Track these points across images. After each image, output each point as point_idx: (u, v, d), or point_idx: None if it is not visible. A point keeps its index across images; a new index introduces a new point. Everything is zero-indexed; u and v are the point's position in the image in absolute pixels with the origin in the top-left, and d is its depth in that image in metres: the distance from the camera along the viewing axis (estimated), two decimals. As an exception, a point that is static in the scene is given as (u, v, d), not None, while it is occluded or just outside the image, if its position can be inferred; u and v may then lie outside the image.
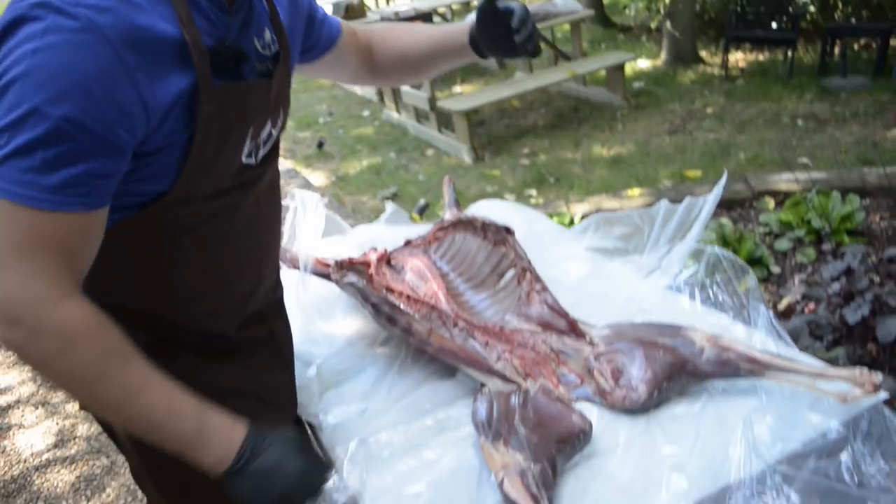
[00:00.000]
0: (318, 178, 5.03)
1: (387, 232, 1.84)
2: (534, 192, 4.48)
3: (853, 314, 2.65)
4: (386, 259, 1.67)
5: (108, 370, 0.88)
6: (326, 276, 1.54)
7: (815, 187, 3.64)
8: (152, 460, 1.10)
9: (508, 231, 1.54)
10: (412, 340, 1.30)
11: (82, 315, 0.87)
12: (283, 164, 5.39)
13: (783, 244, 3.44)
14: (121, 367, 0.89)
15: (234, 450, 0.93)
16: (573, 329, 1.33)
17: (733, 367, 1.21)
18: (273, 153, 1.12)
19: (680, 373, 1.22)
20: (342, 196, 4.63)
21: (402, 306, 1.38)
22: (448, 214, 1.85)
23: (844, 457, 1.02)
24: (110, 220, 0.91)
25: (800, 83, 5.69)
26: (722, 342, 1.24)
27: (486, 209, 1.94)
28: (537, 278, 1.45)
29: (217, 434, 0.93)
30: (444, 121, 5.24)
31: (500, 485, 1.01)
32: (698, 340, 1.25)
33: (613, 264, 1.66)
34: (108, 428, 1.24)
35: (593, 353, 1.27)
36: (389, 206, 1.95)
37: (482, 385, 1.23)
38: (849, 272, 2.89)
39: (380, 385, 1.34)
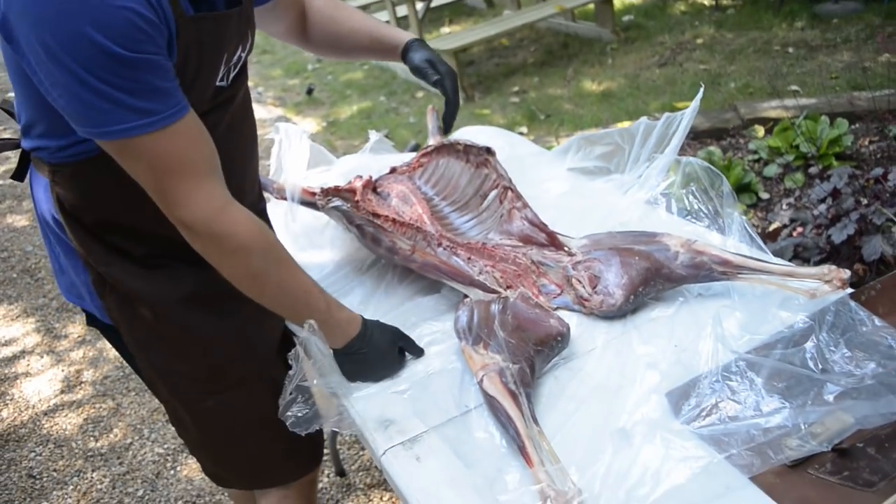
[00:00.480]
0: (309, 124, 5.02)
1: (372, 161, 1.86)
2: (524, 129, 4.48)
3: (839, 234, 2.69)
4: (371, 186, 1.70)
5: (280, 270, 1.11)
6: (313, 205, 1.57)
7: (803, 113, 3.64)
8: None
9: (490, 151, 1.57)
10: (397, 259, 1.34)
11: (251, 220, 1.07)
12: (274, 111, 5.38)
13: (772, 170, 3.46)
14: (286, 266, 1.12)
15: (347, 339, 1.17)
16: (552, 242, 1.37)
17: (707, 270, 1.25)
18: (242, 73, 1.18)
19: (655, 277, 1.26)
20: (333, 141, 4.63)
21: (386, 227, 1.41)
22: (432, 141, 1.87)
23: (809, 345, 1.06)
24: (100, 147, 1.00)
25: (791, 11, 5.63)
26: (696, 246, 1.27)
27: (470, 134, 1.96)
28: (518, 196, 1.48)
29: (338, 325, 1.16)
30: (433, 62, 5.20)
31: (480, 383, 1.05)
32: (673, 245, 1.28)
33: (594, 183, 1.68)
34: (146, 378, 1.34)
35: (571, 262, 1.31)
36: (373, 135, 1.97)
37: (465, 296, 1.28)
38: (835, 193, 2.91)
39: (367, 303, 1.38)
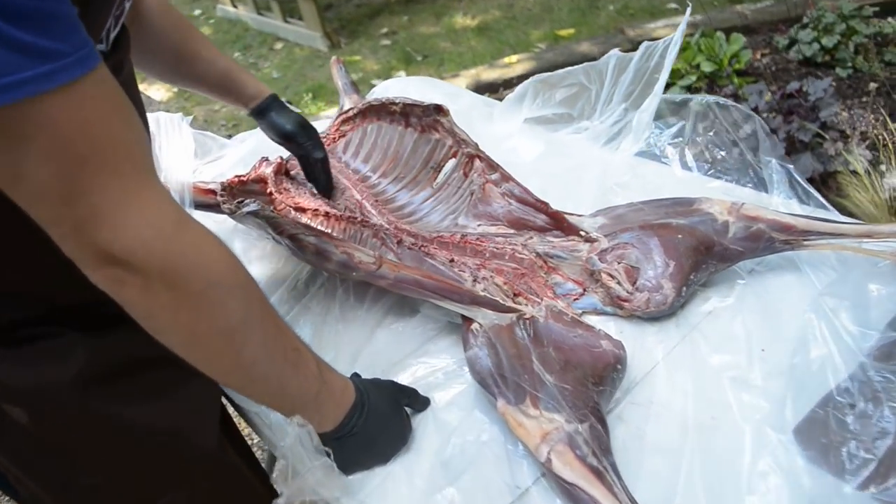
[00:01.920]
0: (158, 91, 4.37)
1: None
2: (402, 73, 4.09)
3: (770, 156, 2.51)
4: (284, 170, 1.30)
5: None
6: (214, 207, 1.15)
7: (699, 31, 3.47)
8: None
9: (440, 110, 1.20)
10: (356, 275, 0.96)
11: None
12: (109, 80, 4.66)
13: (675, 92, 3.27)
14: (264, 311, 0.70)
15: (341, 416, 0.78)
16: (559, 224, 1.03)
17: (766, 242, 0.96)
18: (124, 37, 0.76)
19: (707, 258, 0.96)
20: (189, 108, 4.04)
21: (332, 232, 1.03)
22: (347, 102, 1.47)
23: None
24: None
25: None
26: (746, 211, 0.98)
27: (391, 90, 1.57)
28: (492, 165, 1.13)
29: (330, 398, 0.78)
30: (289, 9, 4.65)
31: (547, 464, 0.71)
32: (718, 213, 0.98)
33: (563, 135, 1.36)
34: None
35: (594, 251, 0.98)
36: None
37: (466, 321, 0.92)
38: (756, 112, 2.74)
39: (321, 340, 1.00)
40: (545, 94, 1.39)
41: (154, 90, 4.34)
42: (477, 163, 1.15)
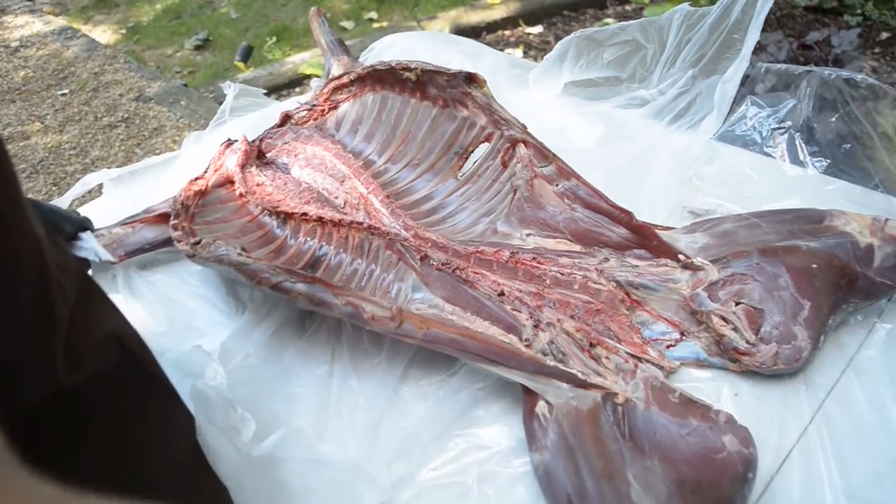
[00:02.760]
0: (103, 33, 3.94)
1: (239, 126, 1.15)
2: (374, 14, 3.74)
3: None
4: (256, 153, 1.01)
5: None
6: (158, 245, 0.89)
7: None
8: None
9: (473, 80, 0.92)
10: (369, 327, 0.70)
11: None
12: (55, 22, 4.22)
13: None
14: None
15: None
16: (646, 241, 0.77)
17: (922, 270, 0.72)
18: None
19: (848, 295, 0.72)
20: (139, 52, 3.64)
21: (332, 248, 0.76)
22: (335, 65, 1.18)
23: None
24: None
25: None
26: (892, 229, 0.74)
27: (392, 49, 1.27)
28: (544, 153, 0.86)
29: None
30: (247, -61, 4.22)
31: None
32: (858, 233, 0.74)
33: (614, 109, 1.09)
34: None
35: (700, 284, 0.72)
36: (230, 89, 1.23)
37: (528, 394, 0.66)
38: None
39: (328, 401, 0.73)
40: (590, 53, 1.12)
41: (99, 32, 3.93)
42: (522, 150, 0.88)
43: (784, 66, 0.97)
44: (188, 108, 2.73)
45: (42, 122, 2.76)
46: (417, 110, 1.00)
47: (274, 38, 3.51)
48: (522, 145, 0.88)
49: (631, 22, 1.08)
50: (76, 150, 2.59)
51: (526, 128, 0.88)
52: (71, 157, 2.56)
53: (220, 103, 1.29)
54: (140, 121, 2.69)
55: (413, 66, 0.97)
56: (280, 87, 3.06)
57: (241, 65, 3.21)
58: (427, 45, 1.23)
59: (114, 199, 1.08)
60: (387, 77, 1.02)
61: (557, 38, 3.15)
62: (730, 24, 1.03)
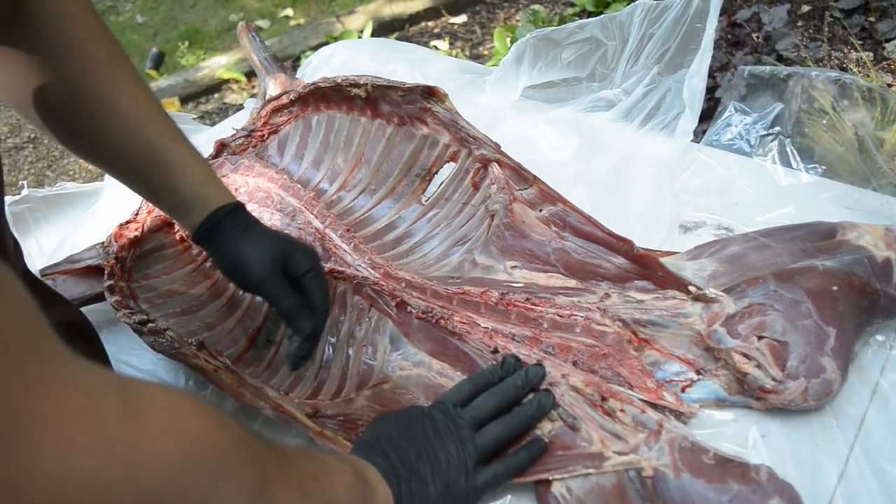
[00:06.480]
0: None
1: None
2: (290, 11, 3.59)
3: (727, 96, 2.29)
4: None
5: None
6: (86, 302, 0.78)
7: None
8: None
9: (432, 94, 0.83)
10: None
11: None
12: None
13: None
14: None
15: None
16: (649, 271, 0.69)
17: (941, 283, 0.67)
18: None
19: (870, 317, 0.66)
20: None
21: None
22: (272, 84, 1.06)
23: None
24: None
25: None
26: (906, 239, 0.68)
27: (334, 61, 1.16)
28: (522, 174, 0.78)
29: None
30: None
31: None
32: (873, 246, 0.68)
33: (578, 112, 1.01)
34: None
35: (717, 318, 0.65)
36: None
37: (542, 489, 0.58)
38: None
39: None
40: (548, 54, 1.04)
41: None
42: (495, 170, 0.79)
43: (768, 67, 0.91)
44: (99, 124, 2.54)
45: (-62, 148, 2.54)
46: (370, 130, 0.90)
47: (186, 43, 3.32)
48: (496, 165, 0.79)
49: (590, 19, 1.01)
50: (-22, 177, 2.38)
51: (499, 146, 0.80)
52: (-27, 184, 2.35)
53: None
54: (49, 141, 2.49)
55: (362, 82, 0.87)
56: (198, 95, 2.89)
57: (153, 73, 3.03)
58: (372, 55, 1.12)
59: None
60: (332, 94, 0.91)
61: (483, 27, 3.07)
62: (690, 15, 0.97)
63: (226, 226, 0.67)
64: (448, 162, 0.85)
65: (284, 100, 0.95)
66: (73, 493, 0.31)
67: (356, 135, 0.90)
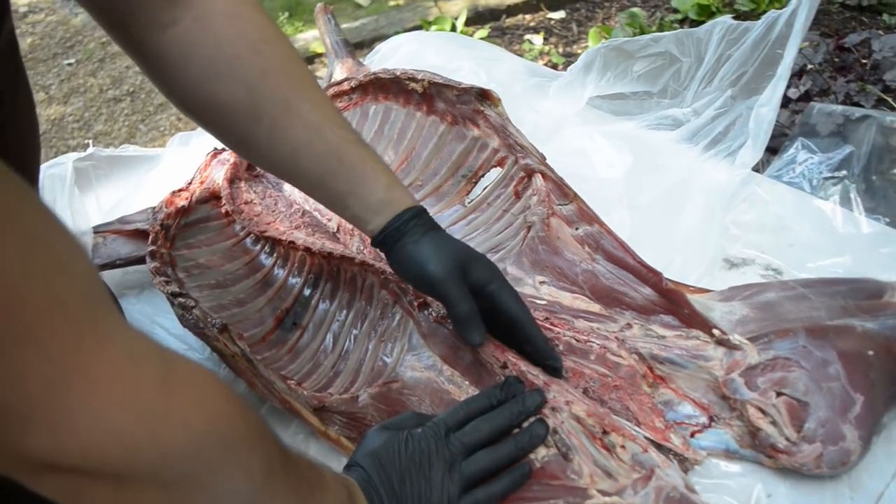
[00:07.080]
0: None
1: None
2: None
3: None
4: (246, 166, 0.92)
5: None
6: (131, 262, 0.81)
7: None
8: None
9: (486, 96, 0.82)
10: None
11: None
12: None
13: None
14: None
15: None
16: (675, 307, 0.67)
17: None
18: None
19: (906, 385, 0.62)
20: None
21: (321, 279, 0.67)
22: (338, 68, 1.07)
23: None
24: None
25: None
26: (960, 307, 0.64)
27: (400, 52, 1.16)
28: (563, 190, 0.76)
29: None
30: None
31: None
32: (921, 310, 0.64)
33: (641, 129, 0.98)
34: None
35: (737, 367, 0.62)
36: None
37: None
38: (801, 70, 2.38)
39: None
40: (618, 65, 1.01)
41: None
42: (538, 181, 0.78)
43: (841, 107, 0.86)
44: (194, 84, 2.63)
45: (47, 93, 2.67)
46: (423, 125, 0.90)
47: (286, 14, 3.38)
48: (539, 176, 0.78)
49: (666, 33, 0.97)
50: (79, 124, 2.50)
51: (545, 158, 0.78)
52: (74, 130, 2.48)
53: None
54: (146, 95, 2.59)
55: (420, 77, 0.87)
56: (290, 64, 2.94)
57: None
58: (438, 49, 1.12)
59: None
60: (391, 86, 0.92)
61: (580, 25, 3.02)
62: (772, 40, 0.92)
63: (410, 227, 0.66)
64: (495, 167, 0.84)
65: (345, 86, 0.96)
66: (103, 442, 0.35)
67: (410, 128, 0.90)
